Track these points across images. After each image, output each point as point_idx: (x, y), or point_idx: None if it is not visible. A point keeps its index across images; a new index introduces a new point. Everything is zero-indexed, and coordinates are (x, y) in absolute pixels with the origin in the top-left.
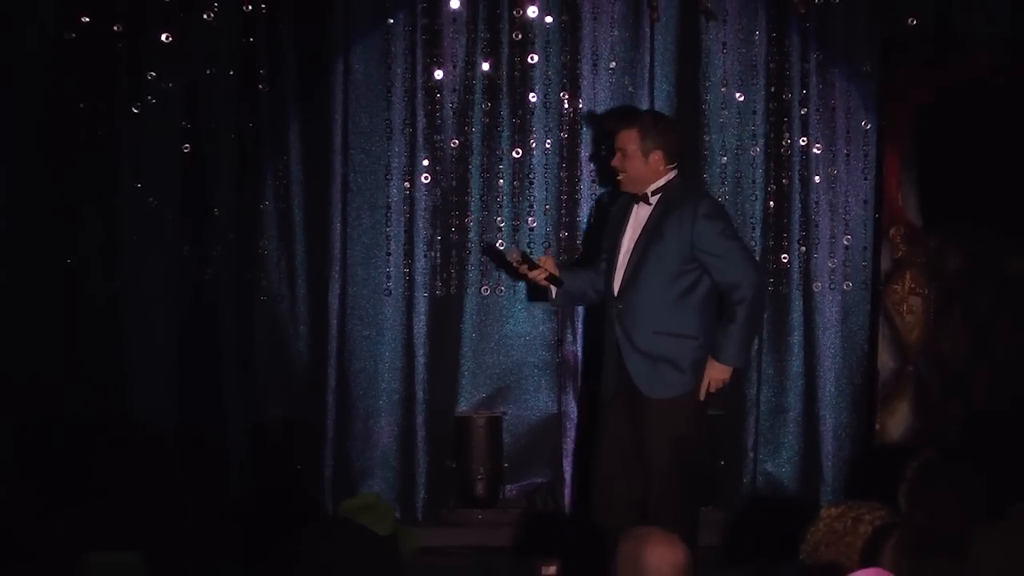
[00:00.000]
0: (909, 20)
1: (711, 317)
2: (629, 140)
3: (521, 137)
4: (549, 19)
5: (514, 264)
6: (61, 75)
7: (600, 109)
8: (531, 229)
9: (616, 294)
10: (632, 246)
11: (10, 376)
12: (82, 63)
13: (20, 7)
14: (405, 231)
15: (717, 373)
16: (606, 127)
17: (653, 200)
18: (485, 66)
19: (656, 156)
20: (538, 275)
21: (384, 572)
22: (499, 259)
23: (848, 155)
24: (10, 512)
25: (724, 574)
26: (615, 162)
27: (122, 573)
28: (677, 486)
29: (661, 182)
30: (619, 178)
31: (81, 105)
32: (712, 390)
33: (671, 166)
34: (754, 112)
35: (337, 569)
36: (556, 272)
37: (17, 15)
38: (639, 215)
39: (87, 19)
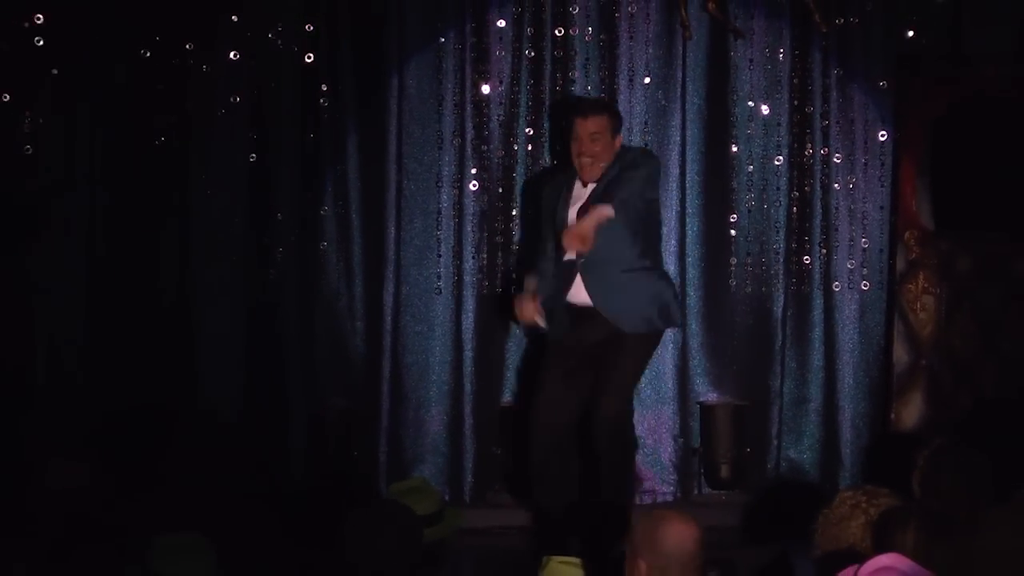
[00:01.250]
0: (922, 39)
1: (659, 251)
2: (604, 125)
3: (562, 147)
4: (588, 38)
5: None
6: (137, 90)
7: (636, 122)
8: None
9: (578, 258)
10: (580, 209)
11: (91, 368)
12: (157, 79)
13: (98, 27)
14: (455, 234)
15: (589, 219)
16: (576, 113)
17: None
18: (529, 82)
19: (618, 139)
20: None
21: (411, 539)
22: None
23: (866, 164)
24: (89, 496)
25: (747, 554)
26: (593, 148)
27: (190, 553)
28: (629, 407)
29: (610, 161)
30: (586, 161)
31: (155, 118)
32: (578, 233)
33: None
34: (778, 124)
35: (377, 539)
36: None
37: (96, 34)
38: (581, 191)
39: (160, 38)
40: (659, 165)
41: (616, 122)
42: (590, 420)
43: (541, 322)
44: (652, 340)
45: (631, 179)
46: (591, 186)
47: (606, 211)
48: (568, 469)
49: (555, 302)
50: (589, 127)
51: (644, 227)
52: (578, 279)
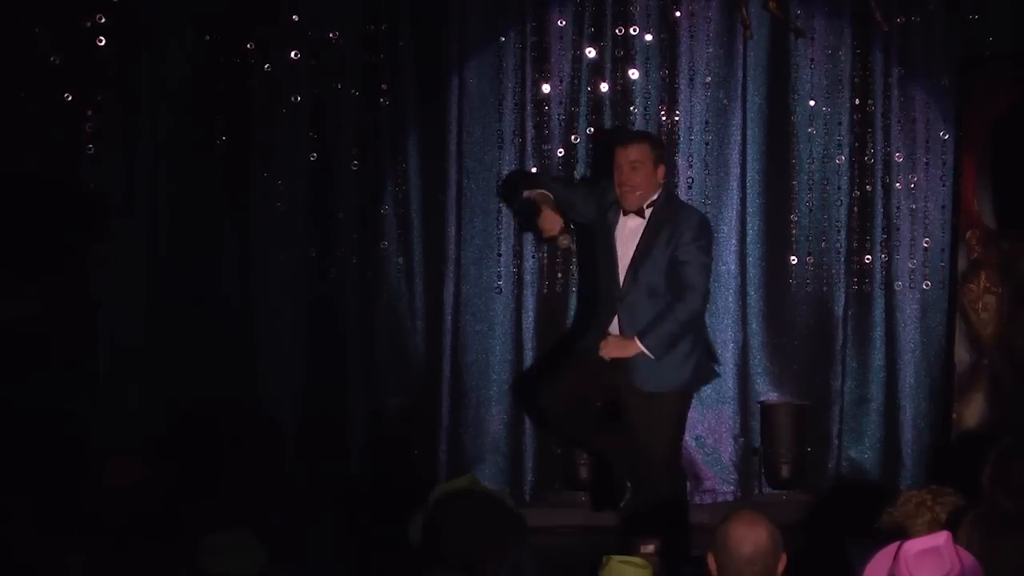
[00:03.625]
0: (984, 38)
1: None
2: (645, 154)
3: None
4: (649, 37)
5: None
6: (199, 89)
7: (696, 121)
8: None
9: (620, 292)
10: (631, 254)
11: (152, 367)
12: (218, 78)
13: (159, 26)
14: (515, 234)
15: (627, 347)
16: (617, 142)
17: (647, 213)
18: (590, 81)
19: (661, 169)
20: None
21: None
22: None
23: (927, 163)
24: (148, 494)
25: (807, 551)
26: (634, 177)
27: (240, 551)
28: (667, 465)
29: (654, 196)
30: (625, 191)
31: (217, 117)
32: (608, 355)
33: (663, 181)
34: (839, 123)
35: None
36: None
37: (157, 34)
38: (629, 224)
39: (221, 37)
40: (712, 236)
41: (658, 152)
42: (638, 480)
43: (569, 240)
44: (683, 399)
45: (693, 260)
46: (639, 223)
47: (643, 351)
48: (584, 407)
49: (593, 331)
50: (630, 155)
51: None
52: (615, 318)
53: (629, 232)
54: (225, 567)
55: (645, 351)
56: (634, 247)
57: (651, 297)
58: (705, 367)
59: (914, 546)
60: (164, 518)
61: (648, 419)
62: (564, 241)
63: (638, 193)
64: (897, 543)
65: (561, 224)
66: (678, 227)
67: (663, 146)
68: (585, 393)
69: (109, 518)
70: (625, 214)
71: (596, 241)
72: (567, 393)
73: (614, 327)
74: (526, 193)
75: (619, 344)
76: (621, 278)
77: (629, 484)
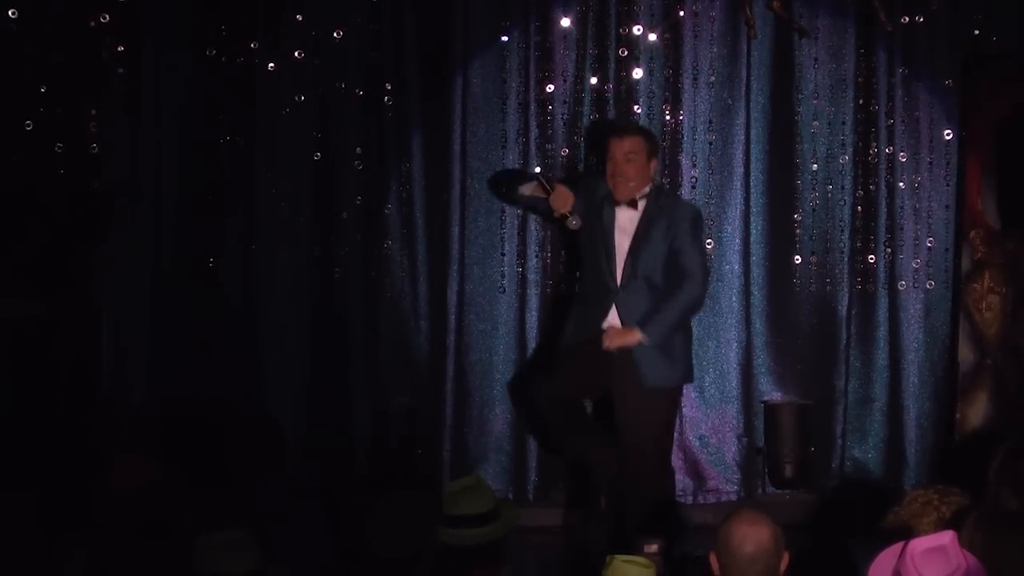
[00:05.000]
0: (988, 38)
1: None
2: (639, 147)
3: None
4: (653, 36)
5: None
6: (203, 89)
7: (700, 121)
8: None
9: (618, 284)
10: (628, 246)
11: (156, 366)
12: (222, 78)
13: (164, 26)
14: (518, 233)
15: (631, 337)
16: (612, 133)
17: (640, 205)
18: (593, 80)
19: (653, 163)
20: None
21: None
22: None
23: (931, 163)
24: (154, 493)
25: (811, 550)
26: (628, 169)
27: (235, 549)
28: (659, 461)
29: (647, 188)
30: (618, 182)
31: (221, 117)
32: (612, 345)
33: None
34: (843, 123)
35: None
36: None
37: (161, 33)
38: (623, 217)
39: (226, 37)
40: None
41: (651, 145)
42: (624, 470)
43: (577, 220)
44: (675, 395)
45: (689, 249)
46: (634, 215)
47: (642, 339)
48: (583, 413)
49: (586, 326)
50: (624, 147)
51: None
52: (613, 310)
53: (624, 224)
54: (220, 567)
55: (646, 339)
56: (630, 239)
57: (649, 288)
58: (691, 364)
59: (920, 544)
60: (167, 518)
61: (644, 415)
62: (574, 222)
63: (631, 184)
64: (902, 542)
65: (572, 201)
66: (675, 218)
67: (656, 140)
68: (576, 391)
69: (114, 518)
70: (617, 206)
71: (591, 236)
72: (558, 392)
73: (612, 320)
74: (538, 171)
75: (621, 334)
76: (619, 271)
77: (603, 498)
